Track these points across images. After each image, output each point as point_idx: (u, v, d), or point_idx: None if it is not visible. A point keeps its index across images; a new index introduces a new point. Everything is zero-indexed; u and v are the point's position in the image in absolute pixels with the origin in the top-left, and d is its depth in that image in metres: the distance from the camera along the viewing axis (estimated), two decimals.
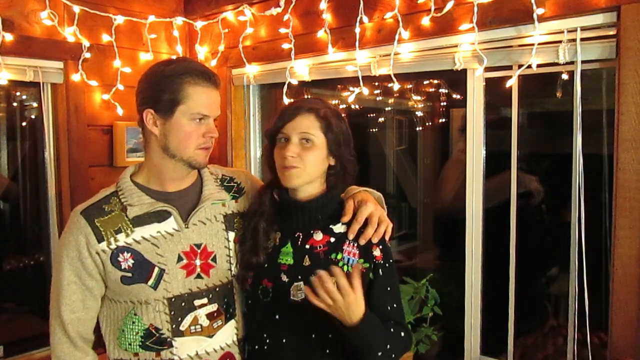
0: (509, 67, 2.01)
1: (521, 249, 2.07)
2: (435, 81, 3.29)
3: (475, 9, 1.94)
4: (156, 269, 1.49)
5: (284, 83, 2.55)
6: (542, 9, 1.82)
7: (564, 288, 1.97)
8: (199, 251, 1.54)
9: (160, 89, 1.46)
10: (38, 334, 2.57)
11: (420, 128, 3.70)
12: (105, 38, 2.69)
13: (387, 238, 1.51)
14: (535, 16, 1.83)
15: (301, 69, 2.56)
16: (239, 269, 1.56)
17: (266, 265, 1.52)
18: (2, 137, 2.95)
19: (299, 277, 1.47)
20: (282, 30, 2.52)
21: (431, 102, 3.54)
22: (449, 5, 2.00)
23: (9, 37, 2.36)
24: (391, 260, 1.52)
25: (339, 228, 1.51)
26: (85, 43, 2.60)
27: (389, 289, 1.49)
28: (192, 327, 1.51)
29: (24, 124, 2.99)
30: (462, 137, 2.26)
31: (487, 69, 2.04)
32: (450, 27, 2.05)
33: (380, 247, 1.49)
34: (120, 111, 2.72)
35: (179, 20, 2.92)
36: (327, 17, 2.38)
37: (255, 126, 3.00)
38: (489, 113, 2.13)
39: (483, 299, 2.17)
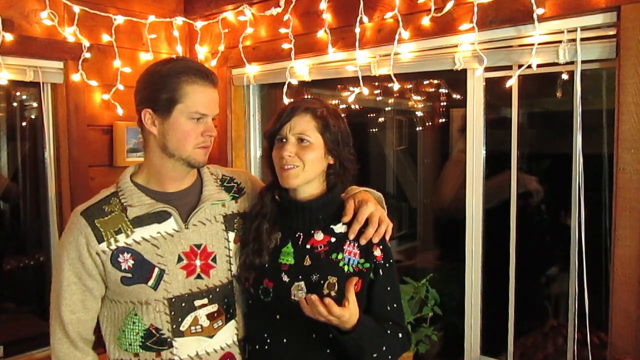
0: (509, 67, 2.01)
1: (521, 249, 2.07)
2: (435, 81, 3.29)
3: (475, 9, 1.94)
4: (156, 270, 1.49)
5: (284, 83, 2.55)
6: (542, 9, 1.82)
7: (564, 288, 1.97)
8: (199, 251, 1.54)
9: (158, 89, 1.46)
10: (38, 334, 2.57)
11: (420, 128, 3.70)
12: (105, 38, 2.69)
13: (387, 238, 1.52)
14: (535, 16, 1.83)
15: (301, 69, 2.56)
16: (241, 270, 1.56)
17: (267, 265, 1.52)
18: (2, 137, 2.96)
19: (300, 277, 1.47)
20: (282, 30, 2.52)
21: (431, 102, 3.54)
22: (449, 5, 2.00)
23: (9, 37, 2.37)
24: (391, 260, 1.52)
25: (339, 228, 1.51)
26: (85, 43, 2.60)
27: (389, 288, 1.50)
28: (193, 328, 1.51)
29: (24, 124, 2.99)
30: (461, 137, 2.26)
31: (487, 69, 2.04)
32: (450, 27, 2.05)
33: (381, 247, 1.50)
34: (120, 111, 2.72)
35: (179, 20, 2.92)
36: (327, 17, 2.38)
37: (255, 126, 3.00)
38: (489, 113, 2.13)
39: (483, 299, 2.17)
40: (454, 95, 3.19)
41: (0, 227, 3.03)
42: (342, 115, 1.58)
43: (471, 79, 2.11)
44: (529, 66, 1.89)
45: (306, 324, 1.44)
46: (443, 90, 3.35)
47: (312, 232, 1.51)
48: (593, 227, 1.88)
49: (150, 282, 1.48)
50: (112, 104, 2.72)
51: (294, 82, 2.57)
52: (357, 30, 2.25)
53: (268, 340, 1.51)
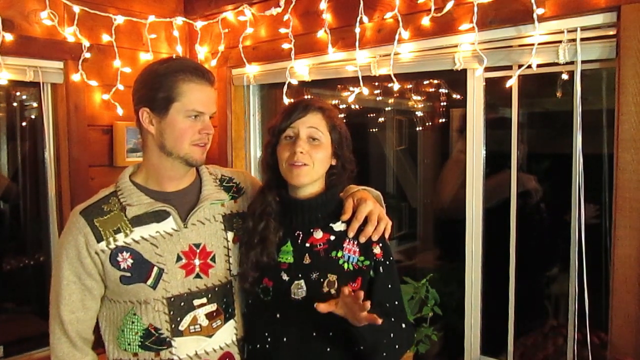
0: (509, 67, 2.01)
1: (521, 249, 2.07)
2: (435, 81, 3.29)
3: (475, 9, 1.94)
4: (155, 269, 1.49)
5: (284, 83, 2.55)
6: (542, 9, 1.82)
7: (564, 288, 1.97)
8: (198, 251, 1.54)
9: (155, 88, 1.47)
10: (38, 334, 2.57)
11: (420, 128, 3.70)
12: (105, 38, 2.70)
13: (386, 236, 1.52)
14: (535, 16, 1.83)
15: (301, 69, 2.56)
16: (247, 270, 1.55)
17: (270, 264, 1.52)
18: (2, 137, 2.96)
19: (300, 275, 1.47)
20: (282, 30, 2.52)
21: (431, 102, 3.55)
22: (449, 5, 2.00)
23: (9, 37, 2.37)
24: (391, 258, 1.52)
25: (339, 226, 1.52)
26: (85, 43, 2.61)
27: (389, 286, 1.50)
28: (192, 327, 1.51)
29: (24, 124, 2.99)
30: (461, 137, 2.26)
31: (487, 69, 2.04)
32: (450, 27, 2.05)
33: (380, 244, 1.50)
34: (120, 111, 2.73)
35: (179, 20, 2.92)
36: (327, 17, 2.38)
37: (255, 126, 3.00)
38: (489, 113, 2.13)
39: (483, 299, 2.17)
40: (454, 95, 3.19)
41: (0, 227, 3.03)
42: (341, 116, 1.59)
43: (471, 79, 2.11)
44: (529, 66, 1.89)
45: (306, 322, 1.45)
46: (443, 90, 3.35)
47: (312, 230, 1.51)
48: (593, 227, 1.88)
49: (149, 282, 1.48)
50: (112, 104, 2.72)
51: (294, 82, 2.57)
52: (357, 30, 2.25)
53: (268, 339, 1.51)
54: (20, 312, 2.91)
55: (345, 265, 1.47)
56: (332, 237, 1.50)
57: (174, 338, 1.50)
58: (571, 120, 1.87)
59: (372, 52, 2.30)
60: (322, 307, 1.31)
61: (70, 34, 2.57)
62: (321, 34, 2.40)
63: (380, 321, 1.26)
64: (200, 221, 1.56)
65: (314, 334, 1.46)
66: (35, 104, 2.82)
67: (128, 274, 1.48)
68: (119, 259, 1.47)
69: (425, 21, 2.09)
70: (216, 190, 1.61)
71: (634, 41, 1.67)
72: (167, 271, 1.50)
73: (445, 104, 3.41)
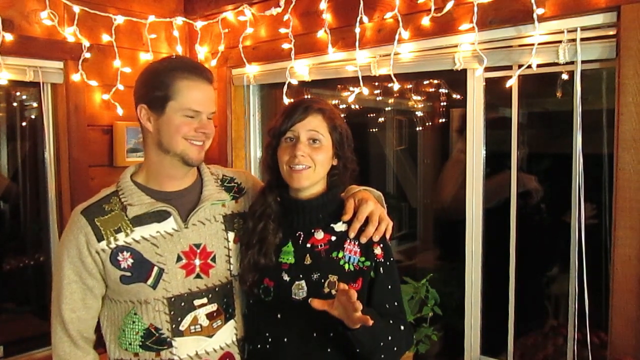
0: (509, 67, 2.01)
1: (521, 249, 2.07)
2: (435, 81, 3.29)
3: (475, 9, 1.94)
4: (155, 269, 1.49)
5: (284, 83, 2.55)
6: (542, 9, 1.82)
7: (564, 288, 1.97)
8: (198, 251, 1.54)
9: (152, 86, 1.48)
10: (38, 334, 2.58)
11: (420, 128, 3.70)
12: (105, 38, 2.69)
13: (387, 236, 1.52)
14: (535, 16, 1.83)
15: (301, 69, 2.56)
16: (245, 271, 1.55)
17: (269, 265, 1.52)
18: (2, 137, 2.96)
19: (300, 276, 1.47)
20: (282, 30, 2.52)
21: (431, 102, 3.55)
22: (449, 5, 2.00)
23: (9, 37, 2.37)
24: (392, 259, 1.52)
25: (340, 227, 1.52)
26: (85, 43, 2.60)
27: (390, 287, 1.50)
28: (192, 327, 1.52)
29: (24, 124, 2.99)
30: (460, 138, 2.25)
31: (487, 69, 2.04)
32: (450, 27, 2.05)
33: (381, 245, 1.50)
34: (120, 111, 2.73)
35: (179, 20, 2.92)
36: (327, 17, 2.38)
37: (255, 126, 3.00)
38: (489, 113, 2.13)
39: (483, 299, 2.17)
40: (454, 95, 3.19)
41: (0, 227, 3.03)
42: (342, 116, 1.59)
43: (471, 79, 2.11)
44: (529, 66, 1.89)
45: (307, 322, 1.45)
46: (443, 90, 3.35)
47: (313, 231, 1.51)
48: (593, 227, 1.88)
49: (150, 281, 1.48)
50: (112, 104, 2.72)
51: (294, 82, 2.57)
52: (357, 30, 2.25)
53: (269, 340, 1.51)
54: (20, 312, 2.91)
55: (346, 266, 1.47)
56: (333, 238, 1.50)
57: (174, 338, 1.50)
58: (571, 120, 1.87)
59: (372, 52, 2.30)
60: (316, 303, 1.30)
61: (70, 34, 2.57)
62: (321, 34, 2.40)
63: (370, 322, 1.25)
64: (201, 221, 1.56)
65: (315, 334, 1.46)
66: (35, 104, 2.81)
67: (128, 274, 1.48)
68: (120, 258, 1.48)
69: (425, 21, 2.09)
70: (217, 191, 1.61)
71: (634, 41, 1.67)
72: (167, 271, 1.50)
73: (445, 104, 3.41)
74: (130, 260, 1.48)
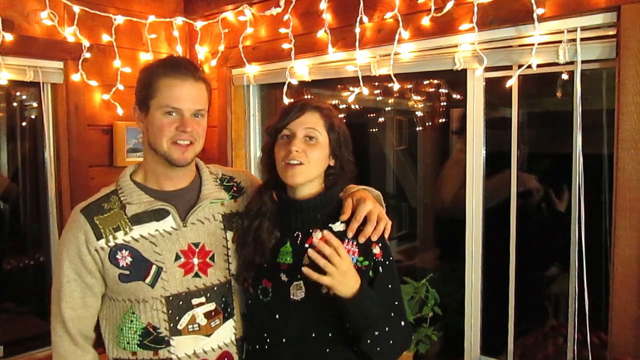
0: (509, 67, 2.01)
1: (521, 249, 2.07)
2: (435, 81, 3.29)
3: (475, 9, 1.94)
4: (154, 267, 1.49)
5: (284, 83, 2.55)
6: (542, 9, 1.82)
7: (564, 288, 1.97)
8: (197, 250, 1.54)
9: (140, 86, 1.51)
10: (38, 334, 2.58)
11: (420, 128, 3.70)
12: (105, 38, 2.70)
13: (386, 235, 1.51)
14: (535, 16, 1.83)
15: (301, 69, 2.56)
16: (241, 270, 1.56)
17: (265, 265, 1.52)
18: (2, 137, 2.96)
19: (299, 276, 1.46)
20: (282, 30, 2.52)
21: (431, 102, 3.55)
22: (449, 5, 2.00)
23: (9, 37, 2.37)
24: (391, 258, 1.52)
25: (338, 227, 1.51)
26: (85, 43, 2.60)
27: (389, 286, 1.49)
28: (190, 326, 1.52)
29: (24, 124, 2.99)
30: (459, 138, 2.25)
31: (487, 69, 2.04)
32: (450, 27, 2.04)
33: (380, 244, 1.49)
34: (120, 111, 2.73)
35: (179, 20, 2.92)
36: (327, 17, 2.38)
37: (255, 126, 3.00)
38: (488, 113, 2.13)
39: (483, 299, 2.17)
40: (454, 95, 3.19)
41: (0, 227, 3.03)
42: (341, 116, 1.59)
43: (471, 79, 2.11)
44: (529, 66, 1.89)
45: (306, 323, 1.45)
46: (443, 90, 3.35)
47: (311, 231, 1.51)
48: (593, 227, 1.88)
49: (148, 280, 1.49)
50: (112, 104, 2.72)
51: (294, 82, 2.57)
52: (357, 30, 2.25)
53: (267, 340, 1.50)
54: (20, 312, 2.91)
55: None
56: None
57: (172, 337, 1.50)
58: (571, 120, 1.87)
59: (372, 52, 2.30)
60: (306, 270, 1.30)
61: (70, 34, 2.57)
62: (321, 34, 2.40)
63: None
64: (200, 220, 1.56)
65: (313, 334, 1.45)
66: (35, 104, 2.82)
67: (127, 272, 1.48)
68: (118, 256, 1.48)
69: (425, 21, 2.09)
70: (216, 190, 1.61)
71: (634, 41, 1.67)
72: (165, 270, 1.50)
73: (445, 104, 3.41)
74: (129, 259, 1.48)
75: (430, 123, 3.67)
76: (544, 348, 2.20)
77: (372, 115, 3.78)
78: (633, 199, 1.70)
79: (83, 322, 1.53)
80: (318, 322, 1.44)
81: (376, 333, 1.39)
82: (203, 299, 1.53)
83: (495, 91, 2.11)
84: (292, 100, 2.43)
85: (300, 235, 1.52)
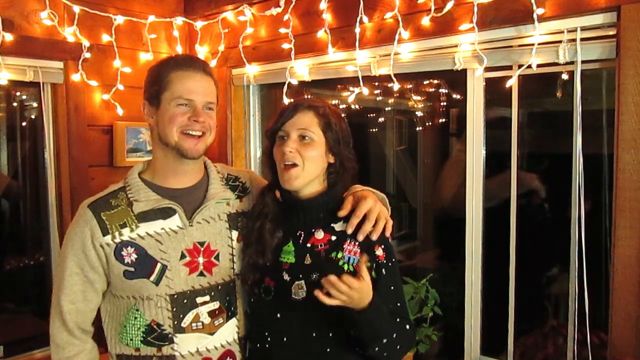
0: (509, 67, 2.01)
1: (521, 249, 2.07)
2: (435, 81, 3.29)
3: (475, 9, 1.94)
4: (158, 265, 1.50)
5: (284, 83, 2.55)
6: (542, 9, 1.83)
7: (564, 288, 1.97)
8: (202, 249, 1.55)
9: (150, 82, 1.53)
10: (38, 334, 2.57)
11: (420, 128, 3.70)
12: (105, 38, 2.69)
13: (387, 234, 1.51)
14: (535, 16, 1.83)
15: (301, 69, 2.56)
16: (245, 270, 1.57)
17: (268, 264, 1.53)
18: (2, 137, 2.96)
19: (300, 275, 1.47)
20: (282, 30, 2.52)
21: (431, 102, 3.55)
22: (449, 5, 2.00)
23: (9, 37, 2.37)
24: (394, 260, 1.51)
25: (340, 226, 1.51)
26: (85, 43, 2.60)
27: (392, 288, 1.49)
28: (194, 324, 1.52)
29: (24, 124, 2.99)
30: (458, 139, 2.25)
31: (487, 69, 2.04)
32: (450, 27, 2.05)
33: (383, 246, 1.49)
34: (120, 111, 2.73)
35: (179, 20, 2.92)
36: (327, 17, 2.38)
37: (255, 126, 3.00)
38: (489, 113, 2.13)
39: (483, 299, 2.17)
40: (454, 95, 3.19)
41: (0, 227, 3.03)
42: (343, 115, 1.58)
43: (471, 79, 2.11)
44: (529, 66, 1.89)
45: (306, 322, 1.45)
46: (443, 90, 3.35)
47: (313, 230, 1.51)
48: (593, 227, 1.88)
49: (152, 278, 1.50)
50: (112, 104, 2.72)
51: (294, 82, 2.57)
52: (357, 30, 2.25)
53: (268, 339, 1.51)
54: (20, 312, 2.91)
55: (345, 266, 1.46)
56: (333, 238, 1.50)
57: (176, 334, 1.51)
58: (571, 120, 1.87)
59: (372, 52, 2.30)
60: (333, 278, 1.29)
61: (70, 34, 2.57)
62: (321, 34, 2.40)
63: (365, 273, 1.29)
64: (206, 220, 1.57)
65: (314, 334, 1.46)
66: (35, 104, 2.82)
67: (132, 269, 1.49)
68: (124, 253, 1.49)
69: (425, 21, 2.09)
70: (222, 189, 1.62)
71: (634, 41, 1.67)
72: (170, 268, 1.51)
73: (445, 104, 3.41)
74: (134, 256, 1.49)
75: (430, 123, 3.67)
76: (544, 348, 2.20)
77: (372, 115, 3.78)
78: (633, 199, 1.70)
79: (81, 316, 1.55)
80: (319, 322, 1.44)
81: (384, 341, 1.39)
82: (207, 298, 1.54)
83: (495, 91, 2.12)
84: (292, 100, 2.44)
85: (302, 235, 1.52)
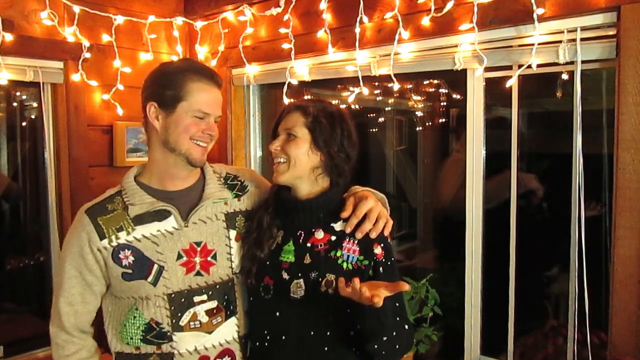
0: (509, 67, 2.01)
1: (521, 249, 2.07)
2: (435, 81, 3.29)
3: (475, 9, 1.94)
4: (155, 266, 1.52)
5: (284, 83, 2.55)
6: (542, 9, 1.83)
7: (564, 288, 1.97)
8: (198, 249, 1.56)
9: (164, 85, 1.51)
10: (38, 334, 2.57)
11: (420, 128, 3.70)
12: (105, 38, 2.70)
13: (386, 234, 1.51)
14: (535, 16, 1.83)
15: (301, 69, 2.56)
16: (244, 261, 1.59)
17: (268, 263, 1.53)
18: (2, 137, 2.96)
19: (299, 274, 1.48)
20: (282, 30, 2.52)
21: (431, 102, 3.55)
22: (449, 5, 2.00)
23: (9, 37, 2.37)
24: (393, 259, 1.52)
25: (340, 226, 1.52)
26: (85, 43, 2.61)
27: None
28: (192, 323, 1.54)
29: (24, 124, 2.99)
30: (457, 140, 2.25)
31: (487, 69, 2.04)
32: (450, 27, 2.05)
33: (382, 245, 1.49)
34: (120, 111, 2.73)
35: (179, 20, 2.92)
36: (327, 17, 2.38)
37: (255, 126, 3.00)
38: (488, 113, 2.13)
39: (483, 299, 2.17)
40: (454, 95, 3.19)
41: (1, 227, 3.03)
42: (344, 116, 1.57)
43: (471, 79, 2.11)
44: (529, 66, 1.89)
45: (305, 321, 1.46)
46: (443, 90, 3.35)
47: (313, 230, 1.52)
48: (593, 227, 1.88)
49: (150, 278, 1.52)
50: (112, 104, 2.72)
51: (294, 82, 2.57)
52: (357, 30, 2.25)
53: (268, 337, 1.52)
54: (20, 312, 2.91)
55: (344, 265, 1.47)
56: (333, 237, 1.51)
57: (174, 333, 1.53)
58: (571, 121, 1.87)
59: (372, 52, 2.30)
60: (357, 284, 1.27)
61: (70, 34, 2.57)
62: (321, 34, 2.40)
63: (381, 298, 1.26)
64: (202, 220, 1.58)
65: (312, 333, 1.46)
66: (35, 104, 2.81)
67: (129, 271, 1.52)
68: (121, 256, 1.52)
69: (425, 21, 2.09)
70: (219, 189, 1.63)
71: (634, 41, 1.67)
72: (167, 268, 1.53)
73: (445, 104, 3.41)
74: (131, 258, 1.52)
75: (430, 123, 3.66)
76: (544, 348, 2.20)
77: (372, 115, 3.78)
78: (633, 199, 1.70)
79: (80, 317, 1.57)
80: (317, 321, 1.45)
81: (384, 338, 1.39)
82: (205, 297, 1.55)
83: (495, 91, 2.12)
84: (292, 100, 2.44)
85: (302, 235, 1.53)
